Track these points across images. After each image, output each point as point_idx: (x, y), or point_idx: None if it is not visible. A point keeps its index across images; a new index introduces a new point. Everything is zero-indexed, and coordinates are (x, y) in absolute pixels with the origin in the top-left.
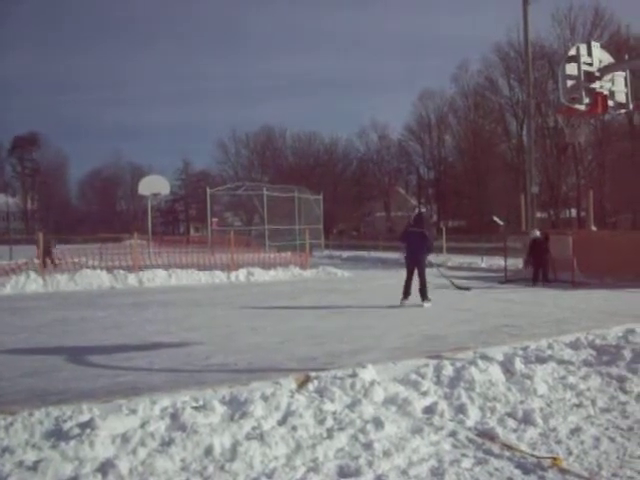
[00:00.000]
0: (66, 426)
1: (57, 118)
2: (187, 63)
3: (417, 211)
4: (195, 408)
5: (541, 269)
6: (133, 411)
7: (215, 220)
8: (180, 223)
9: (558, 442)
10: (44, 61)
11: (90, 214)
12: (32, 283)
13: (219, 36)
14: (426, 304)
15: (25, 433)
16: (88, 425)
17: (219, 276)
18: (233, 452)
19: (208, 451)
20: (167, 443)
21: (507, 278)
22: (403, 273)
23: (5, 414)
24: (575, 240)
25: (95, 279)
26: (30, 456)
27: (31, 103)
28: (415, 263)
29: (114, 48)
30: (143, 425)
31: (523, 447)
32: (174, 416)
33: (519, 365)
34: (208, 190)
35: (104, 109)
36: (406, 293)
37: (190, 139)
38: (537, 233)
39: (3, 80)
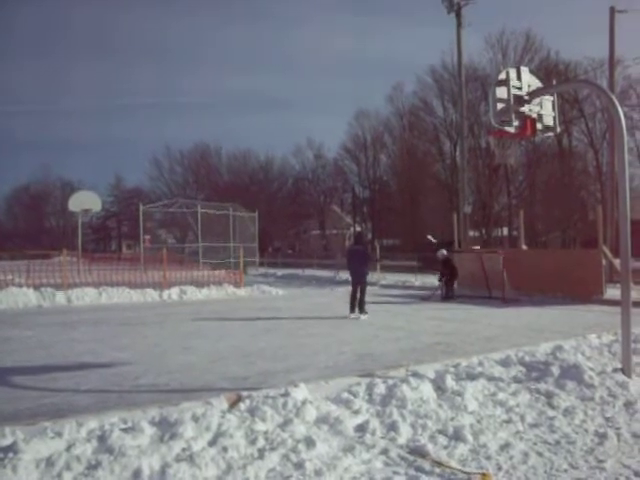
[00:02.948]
0: None
1: None
2: (119, 77)
3: (356, 230)
4: (123, 430)
5: (447, 285)
6: (58, 434)
7: (148, 237)
8: (112, 240)
9: (488, 458)
10: None
11: (17, 230)
12: None
13: (152, 51)
14: (363, 316)
15: None
16: (11, 449)
17: (151, 294)
18: (162, 474)
19: (136, 474)
20: (94, 466)
21: (443, 296)
22: (336, 291)
23: None
24: (506, 258)
25: (21, 297)
26: None
27: None
28: (358, 278)
29: (44, 60)
30: (69, 448)
31: (453, 463)
32: (101, 438)
33: (450, 382)
34: (141, 207)
35: (33, 122)
36: (352, 306)
37: (123, 155)
38: (444, 252)
39: None
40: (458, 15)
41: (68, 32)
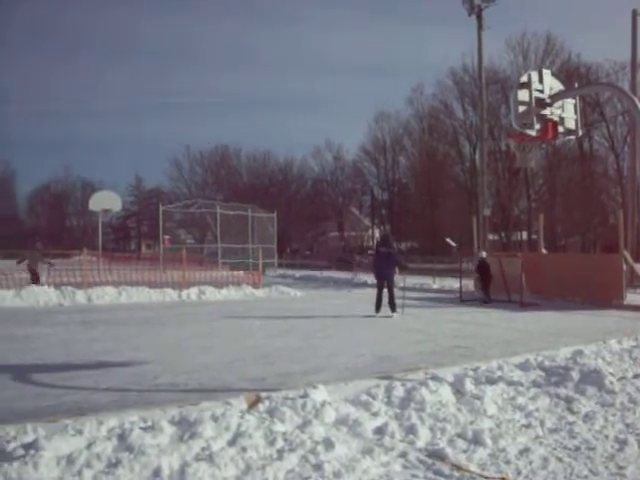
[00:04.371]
0: (9, 447)
1: (5, 131)
2: (140, 78)
3: (383, 233)
4: (143, 429)
5: (484, 289)
6: (79, 431)
7: (167, 237)
8: (131, 240)
9: (507, 462)
10: None
11: (38, 229)
12: None
13: (173, 52)
14: (394, 315)
15: None
16: (32, 446)
17: (170, 294)
18: (182, 474)
19: (156, 473)
20: (114, 464)
21: (462, 299)
22: (354, 293)
23: None
24: (525, 262)
25: (42, 295)
26: None
27: None
28: (385, 279)
29: (67, 61)
30: (89, 446)
31: (473, 467)
32: (121, 437)
33: (469, 386)
34: (161, 207)
35: (55, 122)
36: (378, 306)
37: (143, 155)
38: (484, 254)
39: None
40: (479, 17)
41: (90, 34)
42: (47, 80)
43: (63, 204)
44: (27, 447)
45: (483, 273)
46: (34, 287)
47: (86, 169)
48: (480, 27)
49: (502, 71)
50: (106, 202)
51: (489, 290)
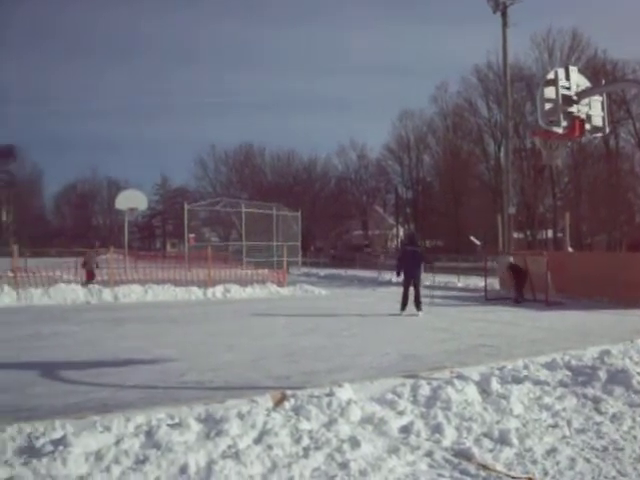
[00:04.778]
0: (39, 443)
1: (33, 131)
2: (167, 78)
3: (410, 232)
4: (170, 426)
5: (517, 289)
6: (107, 428)
7: (192, 236)
8: (157, 238)
9: (534, 462)
10: (22, 73)
11: (65, 228)
12: (5, 297)
13: (200, 51)
14: (420, 313)
15: None
16: (61, 442)
17: (195, 292)
18: (208, 471)
19: (183, 470)
20: (141, 461)
21: (487, 297)
22: (379, 291)
23: None
24: (550, 261)
25: (69, 293)
26: (1, 473)
27: (7, 115)
28: (412, 277)
29: (93, 61)
30: (117, 442)
31: (499, 467)
32: (149, 434)
33: (495, 385)
34: (186, 206)
35: (81, 122)
36: (404, 304)
37: (169, 154)
38: (511, 259)
39: None
40: (504, 14)
41: (114, 34)
42: (75, 80)
43: (89, 203)
44: (56, 443)
45: (517, 273)
46: (61, 285)
47: (112, 169)
48: (505, 24)
49: (527, 68)
50: (132, 201)
51: (522, 290)
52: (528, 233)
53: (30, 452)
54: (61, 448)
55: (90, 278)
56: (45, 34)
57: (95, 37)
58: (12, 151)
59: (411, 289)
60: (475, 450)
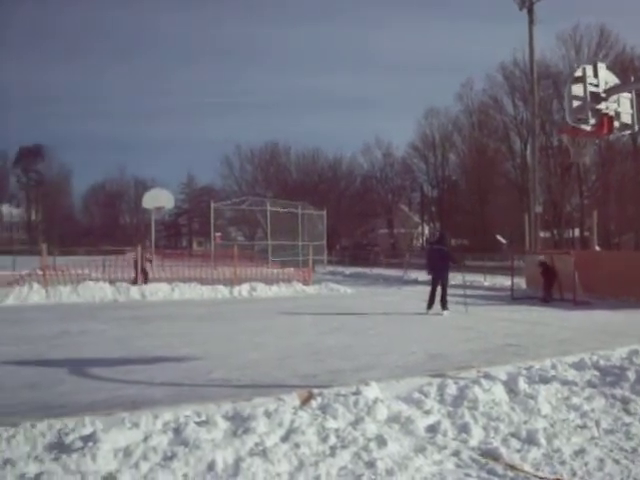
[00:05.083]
0: (68, 439)
1: (62, 131)
2: (192, 78)
3: (439, 231)
4: (198, 423)
5: (546, 288)
6: (135, 425)
7: (218, 234)
8: (183, 237)
9: (562, 463)
10: (51, 73)
11: (93, 227)
12: (35, 294)
13: (225, 51)
14: (446, 313)
15: (27, 445)
16: (90, 438)
17: (222, 291)
18: (236, 468)
19: (210, 467)
20: (169, 458)
21: (513, 296)
22: (404, 290)
23: (7, 426)
24: (577, 260)
25: (97, 291)
26: (32, 468)
27: (36, 115)
28: (439, 277)
29: (119, 61)
30: (145, 439)
31: (527, 467)
32: (177, 431)
33: (523, 385)
34: (212, 204)
35: (109, 122)
36: (430, 304)
37: (195, 153)
38: (542, 257)
39: (9, 91)
40: (530, 11)
41: (146, 35)
42: (101, 80)
43: (117, 202)
44: (85, 439)
45: (546, 273)
46: (90, 283)
47: (139, 168)
48: (531, 21)
49: (554, 65)
50: (159, 200)
51: (551, 289)
52: (555, 232)
53: (60, 448)
54: (90, 444)
55: (144, 278)
56: (77, 34)
57: (126, 37)
58: (40, 151)
59: (439, 288)
60: (502, 450)
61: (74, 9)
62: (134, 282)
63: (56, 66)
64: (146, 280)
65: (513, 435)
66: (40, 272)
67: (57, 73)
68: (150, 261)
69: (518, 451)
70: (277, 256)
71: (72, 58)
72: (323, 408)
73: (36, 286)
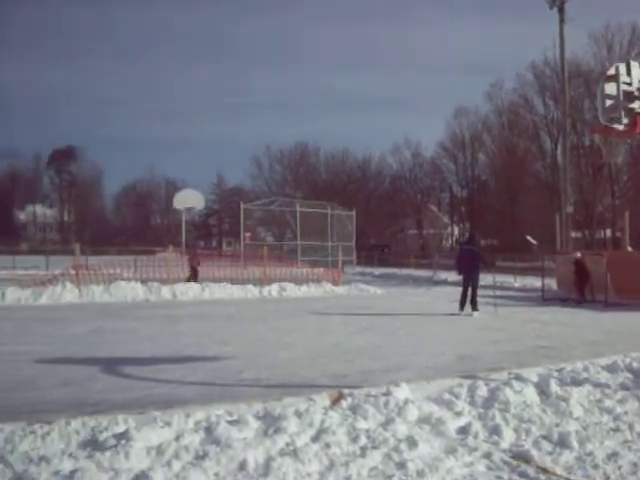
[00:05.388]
0: (102, 436)
1: (93, 132)
2: (221, 78)
3: (470, 232)
4: (229, 422)
5: (579, 289)
6: (168, 423)
7: (248, 235)
8: (213, 237)
9: (595, 467)
10: (82, 74)
11: (124, 227)
12: (68, 294)
13: (254, 52)
14: (475, 314)
15: (61, 442)
16: (123, 436)
17: (251, 290)
18: (266, 468)
19: (242, 466)
20: (201, 457)
21: (544, 298)
22: (434, 291)
23: (42, 423)
24: (609, 261)
25: (129, 291)
26: (66, 465)
27: (68, 116)
28: (471, 278)
29: (150, 62)
30: (177, 438)
31: (559, 471)
32: (208, 430)
33: (554, 387)
34: (242, 205)
35: (139, 123)
36: (462, 304)
37: (225, 154)
38: (578, 254)
39: (42, 93)
40: (561, 10)
41: (174, 35)
42: (132, 81)
43: (148, 203)
44: (118, 437)
45: (579, 273)
46: (122, 282)
47: (170, 168)
48: (562, 20)
49: (585, 64)
50: (189, 200)
51: (584, 290)
52: (586, 233)
53: (94, 445)
54: (123, 442)
55: (195, 277)
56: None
57: (157, 36)
58: (73, 152)
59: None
60: (534, 452)
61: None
62: (187, 280)
63: (88, 67)
64: (196, 279)
65: (545, 437)
66: (73, 272)
67: (88, 74)
68: (199, 263)
69: (550, 454)
70: (306, 256)
71: (104, 59)
72: (353, 408)
73: (69, 285)
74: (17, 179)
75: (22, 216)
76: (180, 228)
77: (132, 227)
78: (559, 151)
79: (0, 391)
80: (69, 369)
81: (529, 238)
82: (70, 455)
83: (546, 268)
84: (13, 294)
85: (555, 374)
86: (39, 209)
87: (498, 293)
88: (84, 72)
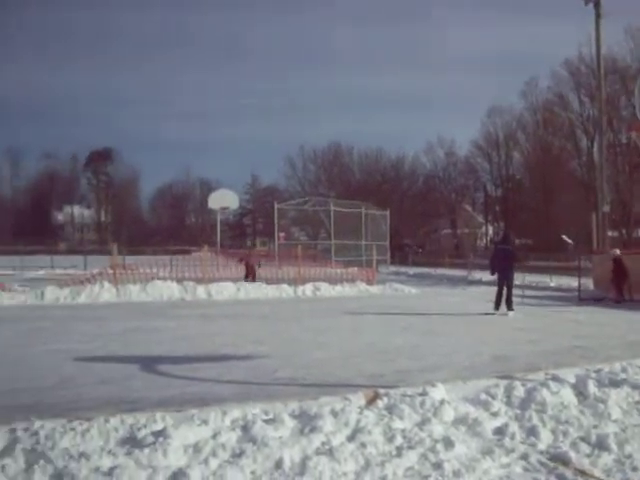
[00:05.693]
0: (140, 434)
1: (130, 133)
2: (256, 79)
3: (504, 231)
4: (265, 421)
5: (618, 288)
6: (204, 421)
7: (282, 234)
8: (247, 237)
9: (634, 469)
10: (118, 76)
11: (160, 227)
12: (105, 293)
13: (287, 53)
14: (511, 314)
15: (100, 439)
16: (161, 434)
17: (286, 290)
18: (303, 466)
19: (278, 464)
20: (238, 455)
21: (580, 297)
22: (469, 290)
23: (81, 420)
24: None
25: (165, 290)
26: (105, 462)
27: (106, 118)
28: (504, 276)
29: (184, 64)
30: (214, 436)
31: (597, 473)
32: (245, 428)
33: (592, 388)
34: (276, 205)
35: (175, 124)
36: (497, 304)
37: (258, 154)
38: (617, 251)
39: (78, 95)
40: (596, 5)
41: (209, 37)
42: (167, 82)
43: (183, 203)
44: (156, 435)
45: (618, 271)
46: (158, 282)
47: (204, 169)
48: (598, 15)
49: (621, 60)
50: (224, 200)
51: (623, 289)
52: (623, 232)
53: (132, 443)
54: (161, 440)
55: (252, 277)
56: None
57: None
58: (110, 154)
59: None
60: (572, 454)
61: (148, 11)
62: (245, 279)
63: (123, 69)
64: (254, 278)
65: (582, 439)
66: (110, 271)
67: (124, 76)
68: (259, 264)
69: (588, 456)
70: (340, 256)
71: (139, 61)
72: (389, 408)
73: (107, 285)
74: (55, 180)
75: (60, 217)
76: (215, 228)
77: (167, 227)
78: (595, 149)
79: (41, 389)
80: (107, 367)
81: (565, 238)
82: (109, 452)
83: (582, 268)
84: (52, 293)
85: (593, 375)
86: (77, 210)
87: (533, 293)
88: (120, 74)
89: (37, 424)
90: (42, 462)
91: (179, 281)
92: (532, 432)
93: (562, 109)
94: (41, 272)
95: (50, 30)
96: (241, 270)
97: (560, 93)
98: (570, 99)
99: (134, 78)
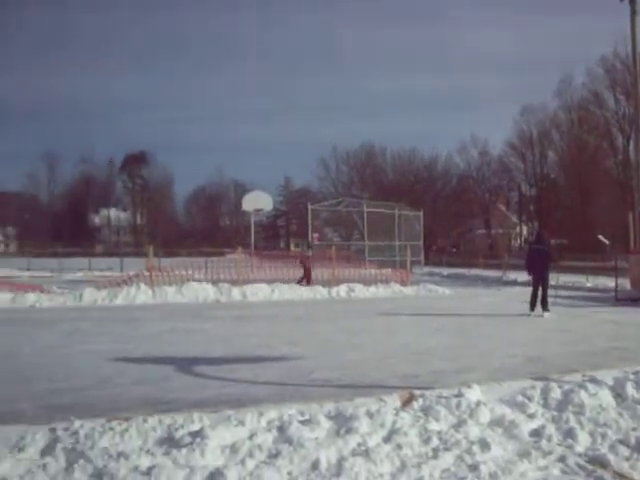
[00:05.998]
0: (178, 434)
1: (164, 136)
2: (288, 80)
3: (538, 230)
4: (301, 422)
5: None
6: (241, 422)
7: (316, 235)
8: (280, 238)
9: None
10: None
11: (194, 229)
12: (142, 294)
13: (320, 54)
14: (546, 314)
15: (139, 439)
16: (199, 434)
17: (320, 291)
18: (339, 467)
19: (314, 465)
20: (274, 455)
21: (617, 298)
22: (504, 291)
23: (120, 420)
24: None
25: (201, 292)
26: (144, 462)
27: (141, 121)
28: (540, 276)
29: (217, 65)
30: (251, 436)
31: (637, 476)
32: (281, 429)
33: (631, 390)
34: (309, 206)
35: (209, 127)
36: (532, 305)
37: (292, 156)
38: None
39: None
40: (632, 2)
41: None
42: (201, 84)
43: (217, 205)
44: (194, 435)
45: None
46: (193, 283)
47: (238, 171)
48: (634, 12)
49: None
50: (258, 202)
51: None
52: None
53: (170, 443)
54: (198, 440)
55: (307, 278)
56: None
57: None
58: (145, 157)
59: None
60: (611, 457)
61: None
62: (299, 282)
63: (156, 73)
64: (309, 281)
65: (621, 442)
66: (147, 273)
67: (156, 79)
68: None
69: (627, 459)
70: (374, 256)
71: (172, 63)
72: (425, 410)
73: (143, 286)
74: (91, 184)
75: (97, 219)
76: (249, 229)
77: (202, 229)
78: (631, 147)
79: (80, 389)
80: (144, 368)
81: (601, 238)
82: (147, 451)
83: (619, 268)
84: (90, 295)
85: (631, 377)
86: (113, 213)
87: (568, 293)
88: (152, 78)
89: (77, 424)
90: (82, 461)
91: (214, 283)
92: (569, 434)
93: (597, 107)
94: (79, 274)
95: (85, 36)
96: (274, 271)
97: (595, 91)
98: (605, 97)
99: (170, 82)
